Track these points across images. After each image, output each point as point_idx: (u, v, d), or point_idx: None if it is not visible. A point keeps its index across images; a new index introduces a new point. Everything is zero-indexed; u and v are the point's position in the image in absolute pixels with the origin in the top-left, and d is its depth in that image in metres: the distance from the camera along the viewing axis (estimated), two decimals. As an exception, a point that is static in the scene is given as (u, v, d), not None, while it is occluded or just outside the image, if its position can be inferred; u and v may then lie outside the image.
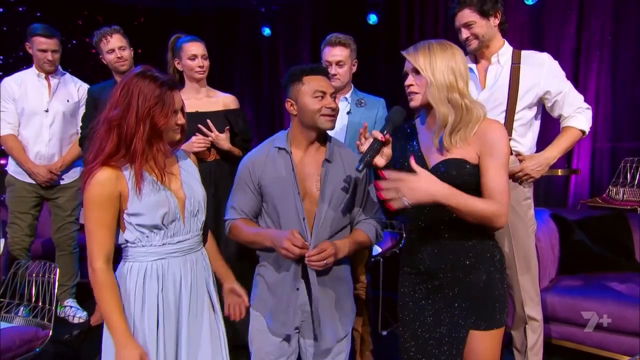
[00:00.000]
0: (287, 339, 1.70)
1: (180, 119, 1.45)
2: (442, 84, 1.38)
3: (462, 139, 1.40)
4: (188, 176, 1.55)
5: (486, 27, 2.01)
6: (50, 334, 2.24)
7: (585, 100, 2.06)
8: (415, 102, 1.45)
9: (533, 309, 2.10)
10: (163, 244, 1.45)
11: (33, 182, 2.99)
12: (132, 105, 1.36)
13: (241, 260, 2.36)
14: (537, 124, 2.13)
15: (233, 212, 1.71)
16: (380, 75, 4.95)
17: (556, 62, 2.06)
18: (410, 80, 1.45)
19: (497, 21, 2.03)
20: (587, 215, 3.11)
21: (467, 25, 2.01)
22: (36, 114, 2.93)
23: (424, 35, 4.73)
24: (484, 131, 1.41)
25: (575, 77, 4.11)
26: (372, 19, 4.54)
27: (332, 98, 1.64)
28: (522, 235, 2.05)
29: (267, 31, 5.42)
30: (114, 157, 1.37)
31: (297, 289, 1.65)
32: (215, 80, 3.23)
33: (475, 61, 2.12)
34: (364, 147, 1.46)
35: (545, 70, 2.01)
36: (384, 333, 2.95)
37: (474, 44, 2.03)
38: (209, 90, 2.54)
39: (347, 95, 2.38)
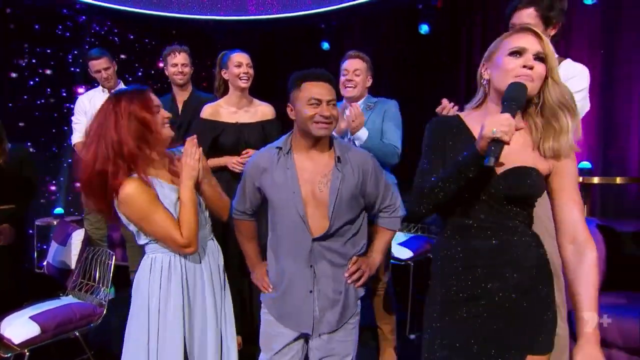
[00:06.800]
0: (297, 340, 1.74)
1: (165, 113, 1.60)
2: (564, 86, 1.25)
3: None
4: None
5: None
6: (105, 313, 2.56)
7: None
8: (533, 90, 1.22)
9: (557, 324, 1.98)
10: None
11: None
12: (111, 114, 1.53)
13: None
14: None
15: (233, 210, 1.85)
16: (431, 83, 4.92)
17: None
18: (531, 61, 1.20)
19: (553, 32, 1.85)
20: (646, 228, 2.87)
21: None
22: None
23: (486, 39, 4.59)
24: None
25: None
26: (424, 29, 4.56)
27: (330, 106, 1.61)
28: (550, 249, 1.95)
29: (326, 46, 5.63)
30: (110, 160, 1.51)
31: (310, 292, 1.67)
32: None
33: None
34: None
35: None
36: (412, 337, 2.95)
37: None
38: (249, 100, 2.71)
39: (360, 102, 2.50)
